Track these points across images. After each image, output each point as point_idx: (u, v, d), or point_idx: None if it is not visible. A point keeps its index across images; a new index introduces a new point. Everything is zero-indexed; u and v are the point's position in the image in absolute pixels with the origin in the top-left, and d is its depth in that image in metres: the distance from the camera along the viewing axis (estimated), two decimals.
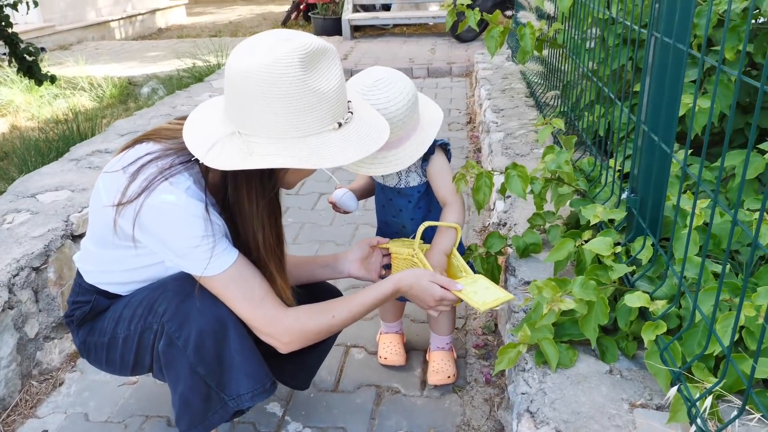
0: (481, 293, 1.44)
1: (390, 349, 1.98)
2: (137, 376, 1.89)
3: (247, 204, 1.27)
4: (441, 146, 1.63)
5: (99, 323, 1.44)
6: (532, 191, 1.61)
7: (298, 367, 1.68)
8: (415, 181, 1.65)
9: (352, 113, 1.26)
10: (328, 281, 1.69)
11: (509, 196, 2.23)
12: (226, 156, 1.18)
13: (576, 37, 2.31)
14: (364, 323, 2.21)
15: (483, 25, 5.45)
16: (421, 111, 1.58)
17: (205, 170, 1.27)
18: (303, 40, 1.16)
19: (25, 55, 4.30)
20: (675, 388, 1.07)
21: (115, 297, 1.44)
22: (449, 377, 1.86)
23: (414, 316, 2.24)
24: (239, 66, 1.16)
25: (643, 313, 1.30)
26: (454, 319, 1.92)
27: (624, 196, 1.49)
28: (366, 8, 8.58)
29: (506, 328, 1.89)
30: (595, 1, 2.08)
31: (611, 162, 1.68)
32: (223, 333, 1.29)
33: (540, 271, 1.71)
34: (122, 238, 1.29)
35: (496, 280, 1.74)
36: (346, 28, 7.97)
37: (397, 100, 1.47)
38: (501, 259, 1.89)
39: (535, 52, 2.80)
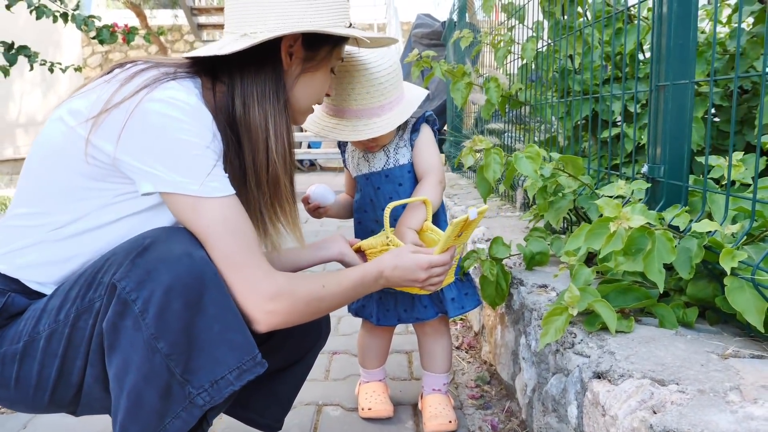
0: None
1: (374, 399, 1.65)
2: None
3: (258, 111, 1.07)
4: (427, 119, 1.50)
5: (10, 330, 1.04)
6: (542, 176, 1.46)
7: (269, 398, 1.34)
8: (405, 157, 1.48)
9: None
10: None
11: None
12: (241, 44, 1.03)
13: (539, 94, 2.34)
14: (336, 382, 1.86)
15: None
16: (405, 89, 1.46)
17: (211, 88, 1.09)
18: None
19: None
20: None
21: (37, 296, 1.08)
22: (450, 422, 1.54)
23: (395, 375, 1.92)
24: None
25: (705, 266, 1.12)
26: (451, 352, 1.64)
27: (644, 169, 1.37)
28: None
29: (509, 366, 1.63)
30: (565, 49, 2.12)
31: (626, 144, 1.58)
32: (198, 292, 0.95)
33: (551, 279, 1.51)
34: (91, 172, 1.00)
35: (503, 290, 1.51)
36: None
37: (383, 60, 1.37)
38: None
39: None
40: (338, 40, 1.15)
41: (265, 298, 1.02)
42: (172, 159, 0.97)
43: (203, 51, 1.07)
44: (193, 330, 0.94)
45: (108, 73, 1.07)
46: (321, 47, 1.13)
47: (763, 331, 0.97)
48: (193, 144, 0.97)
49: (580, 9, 2.14)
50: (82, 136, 0.98)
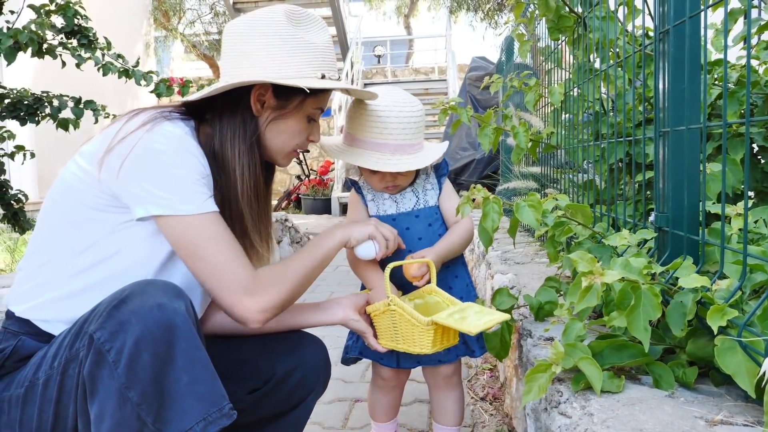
0: (470, 318, 1.26)
1: None
2: None
3: (232, 150, 1.21)
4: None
5: (20, 373, 1.12)
6: (545, 224, 1.42)
7: None
8: (433, 199, 1.54)
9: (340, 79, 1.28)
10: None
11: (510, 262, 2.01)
12: (206, 91, 1.19)
13: (572, 137, 2.29)
14: (353, 431, 1.85)
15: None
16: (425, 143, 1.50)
17: (198, 129, 1.24)
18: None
19: (12, 202, 4.25)
20: None
21: (47, 337, 1.15)
22: None
23: (413, 426, 1.88)
24: (231, 23, 1.25)
25: (702, 323, 1.06)
26: (463, 405, 1.60)
27: (651, 218, 1.31)
28: None
29: (523, 421, 1.57)
30: (589, 93, 2.08)
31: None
32: (167, 343, 0.98)
33: (559, 332, 1.45)
34: (95, 202, 1.12)
35: (507, 342, 1.47)
36: (335, 206, 8.18)
37: (411, 103, 1.43)
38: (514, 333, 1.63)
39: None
40: (311, 91, 1.21)
41: (261, 299, 1.14)
42: (169, 185, 1.10)
43: (194, 96, 1.22)
44: (163, 380, 0.97)
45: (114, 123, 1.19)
46: (291, 97, 1.23)
47: (754, 396, 0.89)
48: (191, 172, 1.11)
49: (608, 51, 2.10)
50: (89, 171, 1.11)
